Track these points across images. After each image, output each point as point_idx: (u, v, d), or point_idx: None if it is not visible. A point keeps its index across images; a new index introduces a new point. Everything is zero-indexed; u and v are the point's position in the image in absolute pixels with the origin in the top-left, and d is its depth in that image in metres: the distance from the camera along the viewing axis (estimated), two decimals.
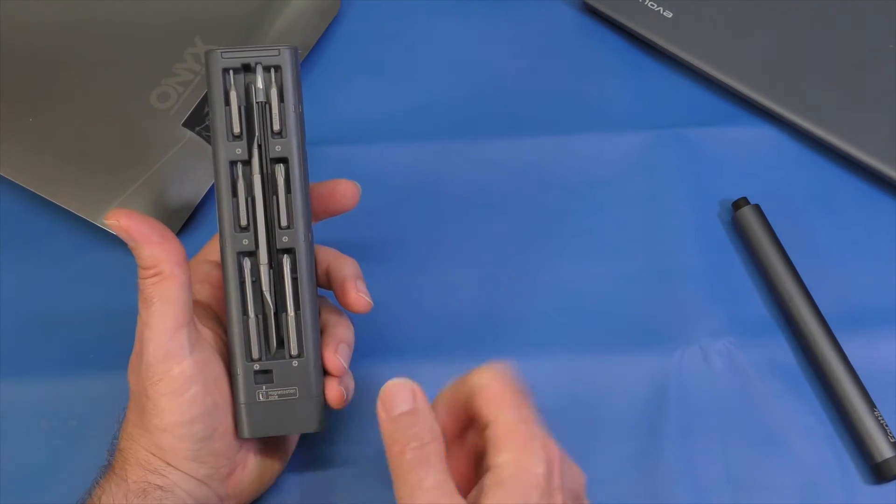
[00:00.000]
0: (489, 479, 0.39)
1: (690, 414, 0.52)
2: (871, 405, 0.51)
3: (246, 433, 0.45)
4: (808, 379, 0.53)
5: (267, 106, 0.44)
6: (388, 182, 0.58)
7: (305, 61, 0.62)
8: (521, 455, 0.39)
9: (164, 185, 0.56)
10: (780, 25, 0.61)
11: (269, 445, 0.48)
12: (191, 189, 0.56)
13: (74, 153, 0.56)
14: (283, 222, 0.44)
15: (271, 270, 0.44)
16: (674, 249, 0.56)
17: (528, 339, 0.54)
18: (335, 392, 0.46)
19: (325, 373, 0.46)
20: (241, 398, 0.45)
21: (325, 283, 0.48)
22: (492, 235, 0.57)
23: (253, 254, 0.44)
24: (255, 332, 0.44)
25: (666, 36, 0.61)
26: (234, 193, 0.44)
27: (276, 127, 0.44)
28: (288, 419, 0.45)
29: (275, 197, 0.44)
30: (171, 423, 0.43)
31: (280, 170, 0.44)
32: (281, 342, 0.45)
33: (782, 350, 0.54)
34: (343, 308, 0.48)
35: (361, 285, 0.47)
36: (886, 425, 0.51)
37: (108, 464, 0.45)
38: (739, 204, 0.56)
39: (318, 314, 0.46)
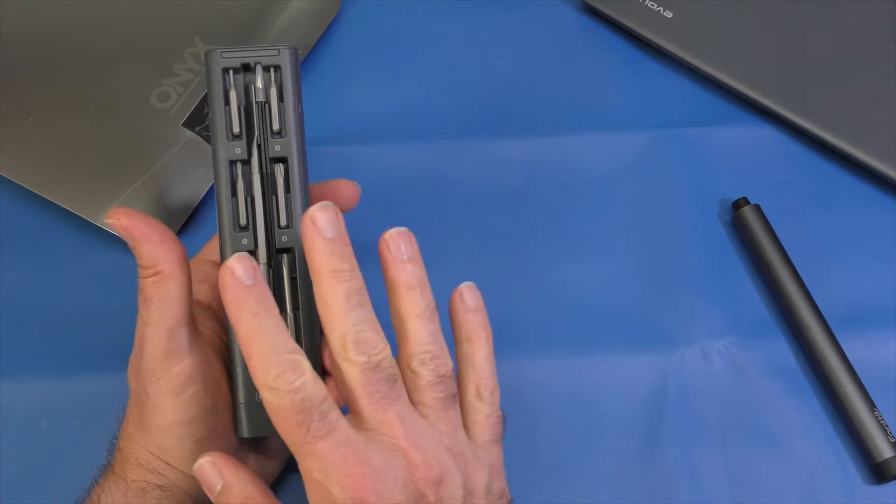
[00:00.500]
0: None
1: (690, 414, 0.52)
2: (871, 405, 0.51)
3: (245, 433, 0.45)
4: (808, 379, 0.53)
5: (266, 106, 0.44)
6: (388, 182, 0.58)
7: (305, 61, 0.62)
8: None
9: (164, 185, 0.56)
10: (780, 25, 0.61)
11: (268, 445, 0.48)
12: (191, 189, 0.56)
13: (74, 153, 0.56)
14: (283, 222, 0.44)
15: (271, 270, 0.44)
16: (674, 249, 0.56)
17: (528, 339, 0.54)
18: (333, 392, 0.46)
19: (325, 372, 0.46)
20: (241, 398, 0.45)
21: None
22: (492, 235, 0.57)
23: (252, 253, 0.44)
24: None
25: (666, 36, 0.61)
26: (234, 193, 0.44)
27: (276, 127, 0.44)
28: None
29: (274, 196, 0.44)
30: (170, 423, 0.43)
31: (279, 169, 0.44)
32: None
33: (782, 350, 0.54)
34: None
35: None
36: (886, 425, 0.51)
37: (108, 463, 0.45)
38: (739, 204, 0.56)
39: (316, 314, 0.46)
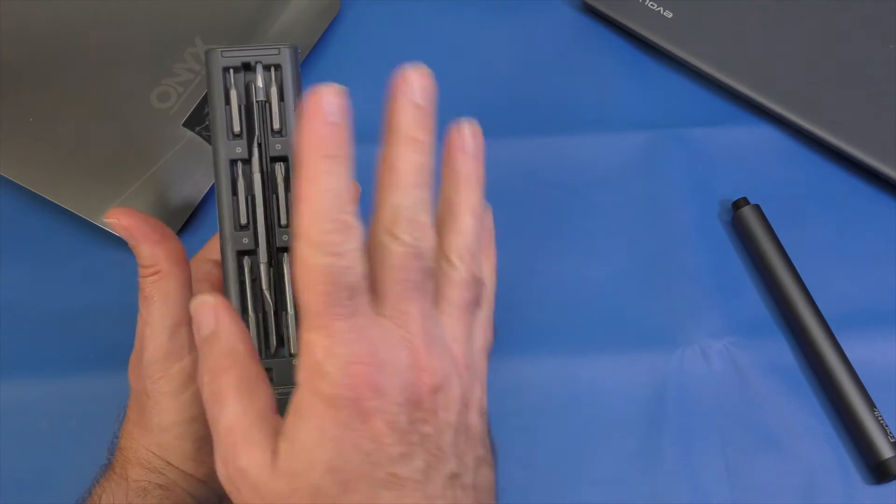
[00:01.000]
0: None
1: (690, 414, 0.52)
2: (871, 405, 0.51)
3: None
4: (808, 379, 0.53)
5: (267, 105, 0.44)
6: None
7: (305, 61, 0.62)
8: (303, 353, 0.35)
9: (164, 184, 0.56)
10: (780, 25, 0.61)
11: None
12: (191, 189, 0.56)
13: (74, 153, 0.56)
14: (283, 221, 0.44)
15: (271, 269, 0.44)
16: (674, 249, 0.56)
17: (528, 339, 0.54)
18: None
19: None
20: None
21: None
22: None
23: (253, 252, 0.44)
24: (254, 331, 0.44)
25: (666, 36, 0.61)
26: (234, 192, 0.44)
27: (276, 126, 0.44)
28: None
29: (275, 195, 0.44)
30: (171, 422, 0.43)
31: (280, 168, 0.44)
32: (281, 341, 0.45)
33: (782, 350, 0.54)
34: None
35: None
36: (886, 425, 0.51)
37: (109, 463, 0.45)
38: (739, 204, 0.56)
39: None
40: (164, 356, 0.42)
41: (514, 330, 0.54)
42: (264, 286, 0.44)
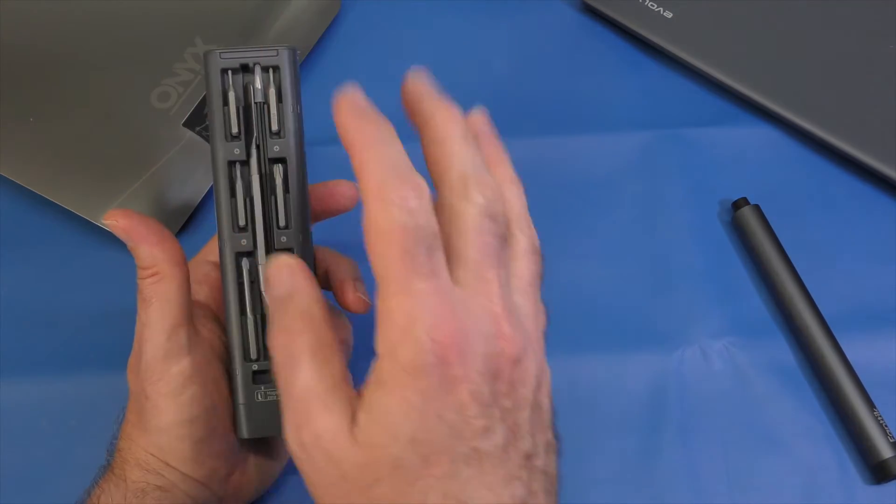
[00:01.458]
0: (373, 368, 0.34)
1: (690, 414, 0.52)
2: (871, 405, 0.51)
3: (245, 433, 0.45)
4: (808, 379, 0.53)
5: (265, 106, 0.44)
6: None
7: (305, 61, 0.62)
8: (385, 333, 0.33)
9: (163, 185, 0.56)
10: (780, 25, 0.60)
11: (268, 446, 0.48)
12: (190, 189, 0.56)
13: (74, 153, 0.56)
14: (282, 222, 0.44)
15: None
16: (674, 249, 0.56)
17: None
18: None
19: None
20: (240, 398, 0.45)
21: (323, 283, 0.48)
22: None
23: (251, 254, 0.44)
24: (253, 333, 0.44)
25: (666, 36, 0.61)
26: (233, 194, 0.44)
27: (275, 127, 0.44)
28: None
29: (273, 197, 0.44)
30: (169, 424, 0.43)
31: (278, 170, 0.44)
32: None
33: (782, 350, 0.54)
34: (342, 308, 0.48)
35: (360, 286, 0.47)
36: (886, 425, 0.51)
37: (108, 464, 0.45)
38: (739, 204, 0.56)
39: None
40: (162, 357, 0.42)
41: None
42: (262, 288, 0.44)
